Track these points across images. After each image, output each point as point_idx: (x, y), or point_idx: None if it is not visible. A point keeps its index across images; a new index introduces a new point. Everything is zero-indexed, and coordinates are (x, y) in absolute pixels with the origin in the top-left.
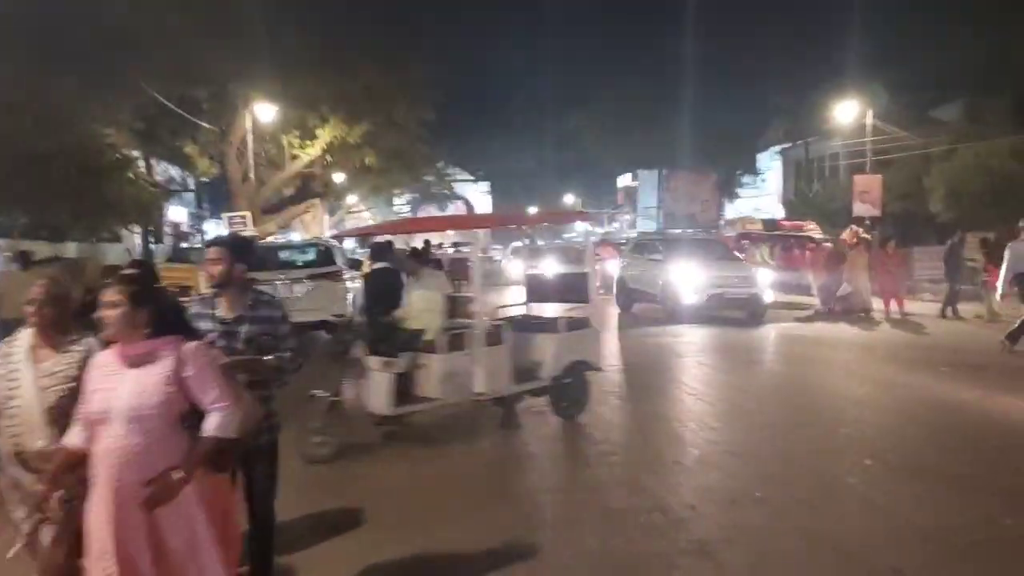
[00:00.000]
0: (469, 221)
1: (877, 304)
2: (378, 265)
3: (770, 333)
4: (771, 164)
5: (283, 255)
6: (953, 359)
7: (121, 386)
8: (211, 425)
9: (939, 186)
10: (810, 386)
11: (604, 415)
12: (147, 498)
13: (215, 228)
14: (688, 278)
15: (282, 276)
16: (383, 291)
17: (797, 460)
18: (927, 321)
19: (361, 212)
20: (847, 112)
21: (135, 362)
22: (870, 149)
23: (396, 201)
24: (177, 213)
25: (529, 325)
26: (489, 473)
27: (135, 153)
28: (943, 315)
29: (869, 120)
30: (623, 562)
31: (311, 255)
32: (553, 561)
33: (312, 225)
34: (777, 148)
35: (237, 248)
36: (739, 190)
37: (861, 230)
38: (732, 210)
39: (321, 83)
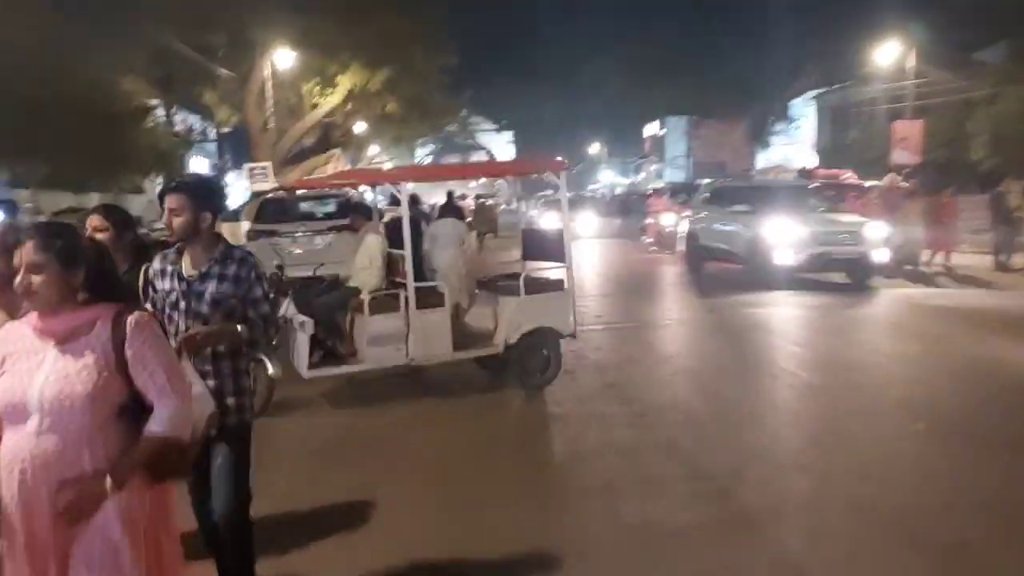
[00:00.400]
0: (400, 174)
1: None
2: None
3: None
4: (804, 111)
5: (306, 206)
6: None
7: (39, 369)
8: (155, 422)
9: (982, 132)
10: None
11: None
12: (62, 508)
13: (237, 179)
14: (783, 233)
15: (301, 229)
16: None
17: (844, 424)
18: (984, 275)
19: (383, 163)
20: (888, 54)
21: (61, 338)
22: (911, 93)
23: (418, 152)
24: (199, 164)
25: (496, 286)
26: (516, 436)
27: (154, 102)
28: (1001, 268)
29: (911, 63)
30: (661, 534)
31: (334, 205)
32: (587, 533)
33: None
34: (812, 94)
35: (202, 193)
36: (771, 138)
37: (900, 178)
38: (763, 159)
39: (340, 28)
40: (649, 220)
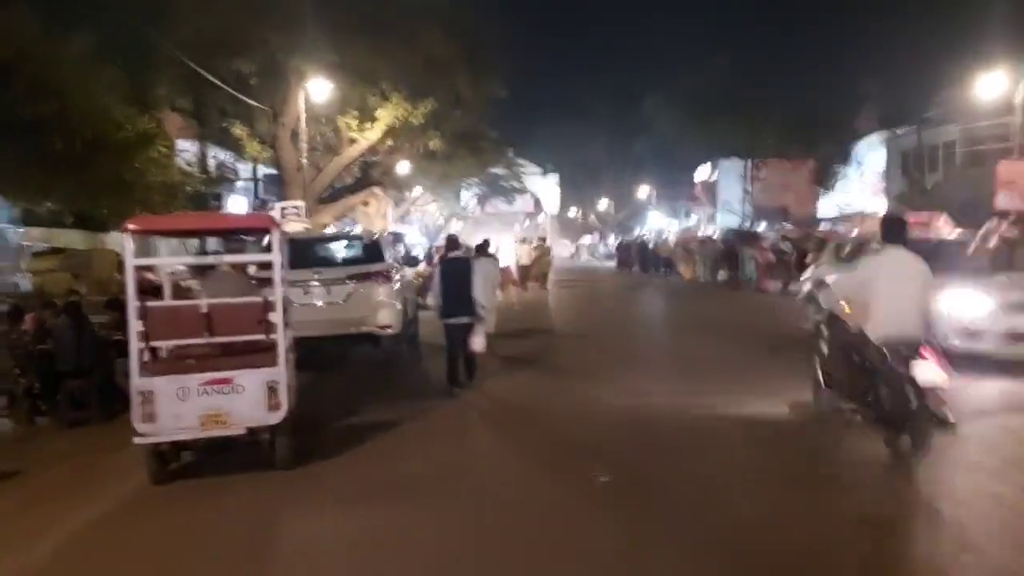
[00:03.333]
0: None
1: None
2: (453, 254)
3: None
4: (868, 154)
5: (319, 249)
6: None
7: None
8: None
9: None
10: None
11: None
12: None
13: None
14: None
15: (316, 276)
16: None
17: None
18: None
19: (428, 204)
20: (991, 87)
21: None
22: (1022, 130)
23: (464, 194)
24: (237, 203)
25: None
26: None
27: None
28: None
29: (1020, 97)
30: None
31: (354, 250)
32: None
33: (376, 218)
34: (878, 135)
35: None
36: (837, 182)
37: (1005, 225)
38: (825, 204)
39: (379, 54)
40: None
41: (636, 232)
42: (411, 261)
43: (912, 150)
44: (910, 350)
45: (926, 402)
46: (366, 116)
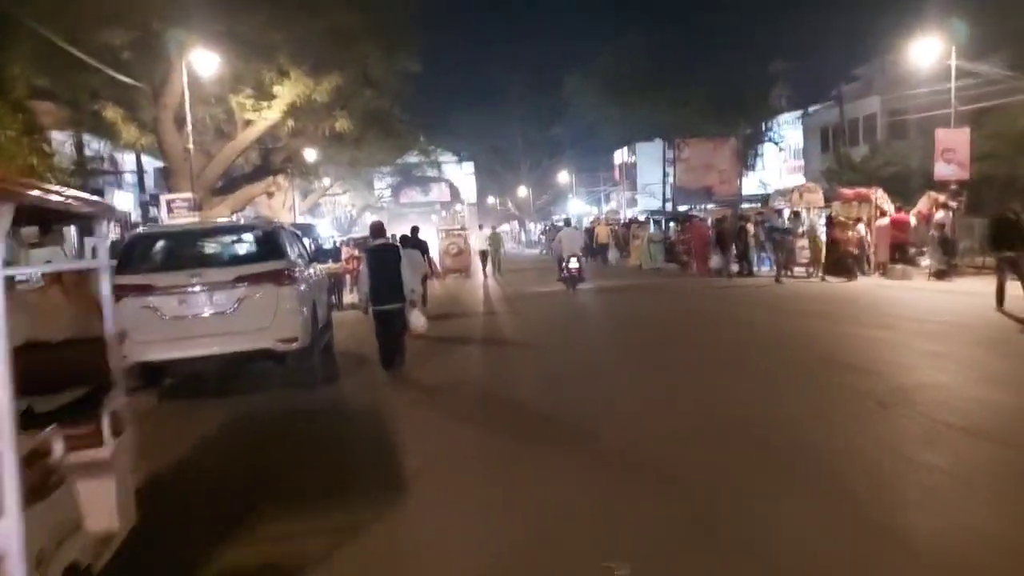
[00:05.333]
0: None
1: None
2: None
3: None
4: (784, 132)
5: (198, 246)
6: None
7: None
8: None
9: None
10: None
11: None
12: None
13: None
14: None
15: (195, 279)
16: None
17: None
18: None
19: (339, 195)
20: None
21: None
22: (954, 97)
23: (377, 184)
24: (122, 199)
25: None
26: None
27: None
28: None
29: (953, 61)
30: None
31: (243, 245)
32: None
33: (282, 211)
34: (793, 114)
35: None
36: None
37: (942, 197)
38: (747, 183)
39: (275, 25)
40: None
41: (557, 218)
42: (321, 256)
43: (832, 125)
44: None
45: None
46: (262, 94)
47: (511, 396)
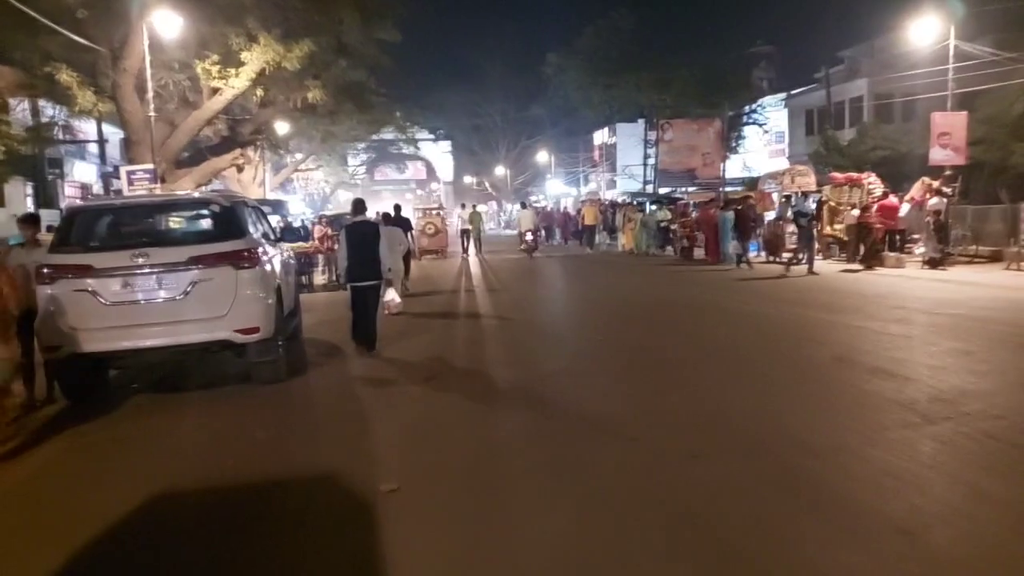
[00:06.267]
0: None
1: None
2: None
3: None
4: (768, 114)
5: (146, 222)
6: None
7: None
8: None
9: None
10: None
11: None
12: None
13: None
14: None
15: (141, 260)
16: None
17: None
18: None
19: (312, 171)
20: (905, 40)
21: None
22: (952, 80)
23: (352, 161)
24: (85, 172)
25: None
26: None
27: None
28: None
29: (952, 41)
30: None
31: (199, 222)
32: None
33: (251, 186)
34: (778, 96)
35: None
36: (741, 142)
37: (936, 183)
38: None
39: None
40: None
41: (535, 199)
42: (290, 235)
43: (818, 108)
44: None
45: None
46: (230, 61)
47: (495, 393)
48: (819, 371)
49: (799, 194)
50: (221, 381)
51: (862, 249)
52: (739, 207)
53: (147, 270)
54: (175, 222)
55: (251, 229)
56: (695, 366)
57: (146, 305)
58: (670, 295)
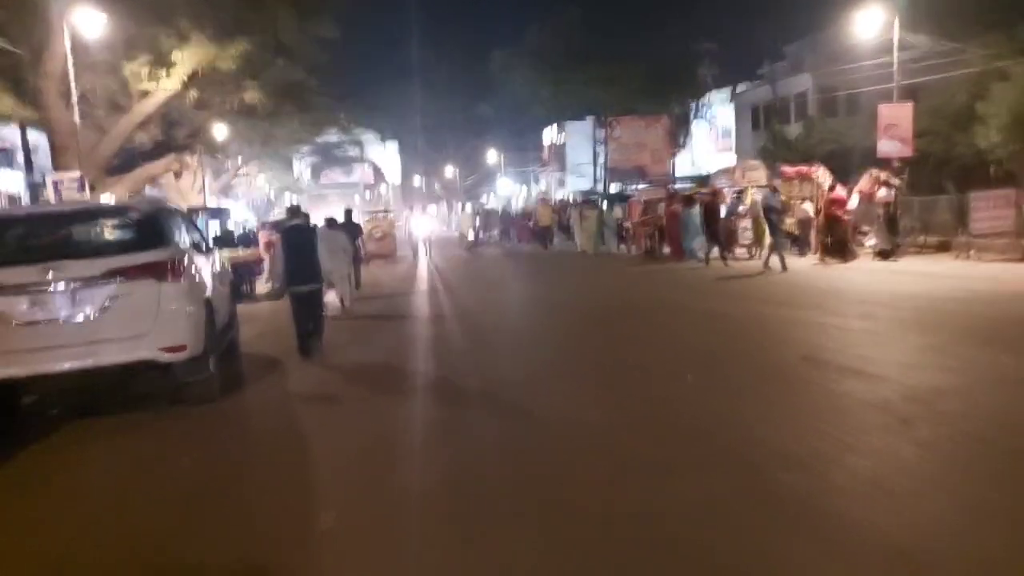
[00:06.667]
0: None
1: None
2: (294, 222)
3: None
4: (715, 111)
5: (57, 233)
6: None
7: None
8: None
9: (999, 113)
10: None
11: None
12: None
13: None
14: None
15: (52, 275)
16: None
17: None
18: None
19: (255, 176)
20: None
21: None
22: (897, 71)
23: (296, 164)
24: (12, 180)
25: None
26: None
27: None
28: None
29: (896, 31)
30: None
31: (116, 231)
32: None
33: (190, 193)
34: (723, 92)
35: None
36: (688, 139)
37: (883, 174)
38: (678, 163)
39: None
40: None
41: (484, 199)
42: (226, 240)
43: (763, 104)
44: None
45: None
46: (160, 61)
47: (452, 407)
48: (788, 372)
49: (770, 189)
50: (150, 402)
51: (820, 244)
52: (708, 202)
53: (59, 286)
54: (91, 232)
55: (177, 237)
56: (669, 371)
57: (59, 325)
58: (642, 296)
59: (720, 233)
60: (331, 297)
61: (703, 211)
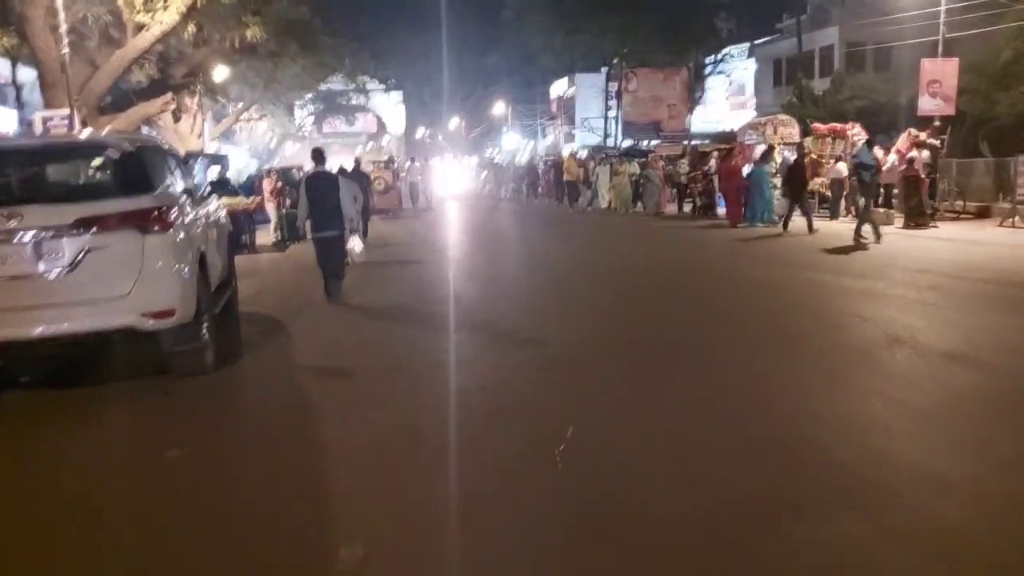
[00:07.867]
0: None
1: None
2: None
3: None
4: (734, 65)
5: (20, 173)
6: None
7: None
8: None
9: None
10: None
11: None
12: None
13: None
14: None
15: (12, 223)
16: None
17: None
18: None
19: (255, 120)
20: None
21: None
22: (943, 22)
23: (298, 112)
24: (6, 118)
25: None
26: None
27: None
28: None
29: None
30: None
31: (93, 172)
32: None
33: (189, 137)
34: (742, 47)
35: None
36: (707, 93)
37: (923, 135)
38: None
39: None
40: None
41: (491, 152)
42: (223, 187)
43: (787, 57)
44: None
45: None
46: None
47: (480, 390)
48: (885, 359)
49: (862, 143)
50: (133, 372)
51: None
52: (794, 160)
53: (21, 236)
54: (62, 173)
55: (164, 181)
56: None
57: (21, 282)
58: (722, 266)
59: (806, 196)
60: (356, 242)
61: (789, 170)
